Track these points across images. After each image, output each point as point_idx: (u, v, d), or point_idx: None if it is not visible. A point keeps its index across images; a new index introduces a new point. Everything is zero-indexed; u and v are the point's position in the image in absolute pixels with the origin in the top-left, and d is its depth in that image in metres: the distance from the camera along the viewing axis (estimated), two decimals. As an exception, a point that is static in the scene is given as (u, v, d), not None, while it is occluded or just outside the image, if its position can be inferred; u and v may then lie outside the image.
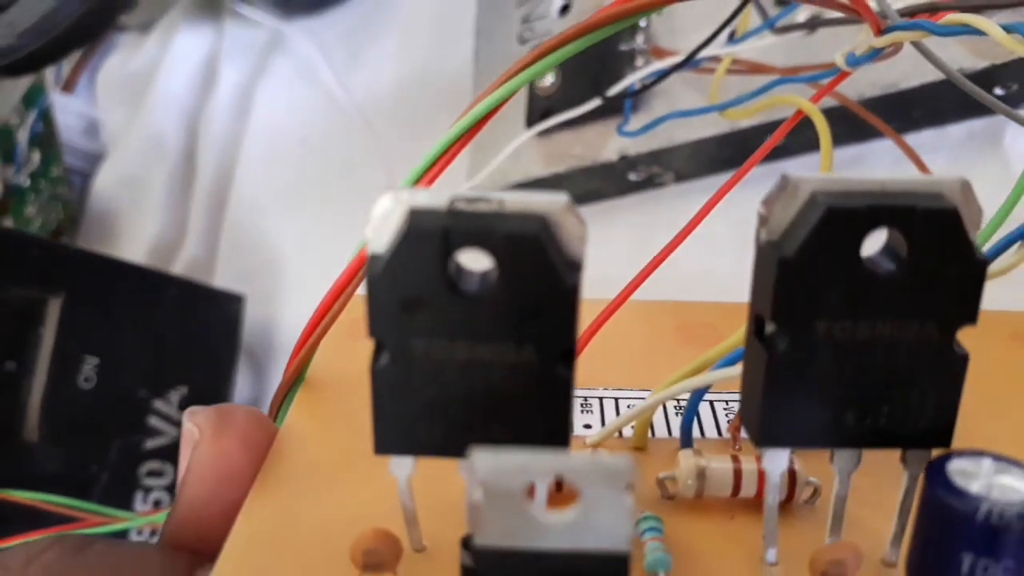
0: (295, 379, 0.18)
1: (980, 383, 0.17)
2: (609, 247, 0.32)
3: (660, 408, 0.17)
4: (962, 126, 0.29)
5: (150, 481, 0.41)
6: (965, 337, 0.18)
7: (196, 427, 0.16)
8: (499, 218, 0.11)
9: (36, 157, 0.56)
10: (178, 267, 0.50)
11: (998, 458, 0.12)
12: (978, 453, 0.12)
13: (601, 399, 0.18)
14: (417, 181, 0.16)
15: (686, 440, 0.16)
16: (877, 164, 0.31)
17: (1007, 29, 0.17)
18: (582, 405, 0.18)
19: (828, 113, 0.29)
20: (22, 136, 0.56)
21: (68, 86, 0.60)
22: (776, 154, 0.31)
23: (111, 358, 0.39)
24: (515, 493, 0.10)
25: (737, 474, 0.14)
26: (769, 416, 0.12)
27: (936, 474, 0.12)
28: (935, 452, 0.12)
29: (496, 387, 0.11)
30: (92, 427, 0.39)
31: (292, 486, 0.16)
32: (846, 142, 0.31)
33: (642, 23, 0.32)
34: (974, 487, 0.12)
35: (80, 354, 0.39)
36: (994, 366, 0.18)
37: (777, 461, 0.12)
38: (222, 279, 0.48)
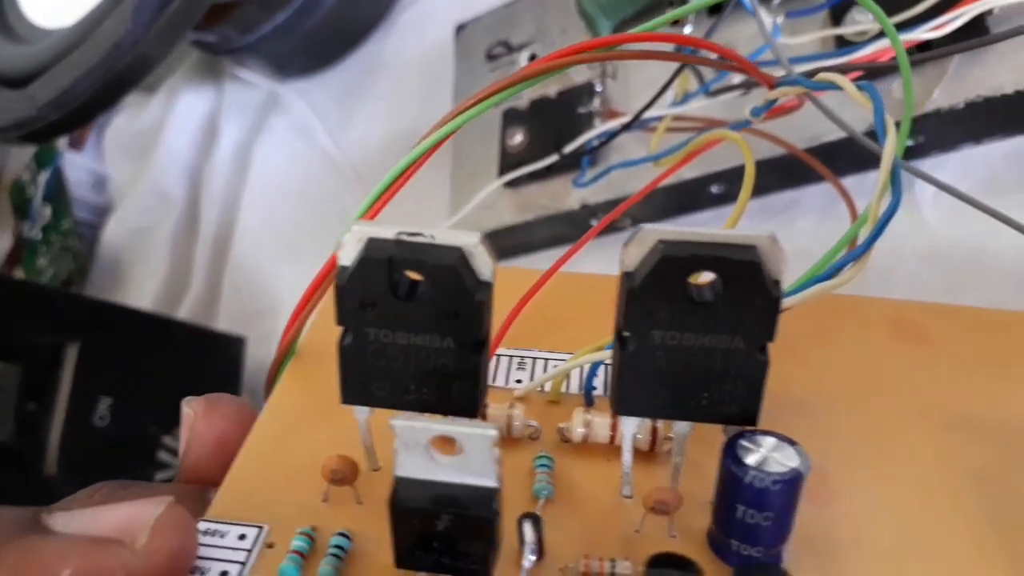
0: (287, 352, 0.23)
1: (853, 364, 0.22)
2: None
3: (577, 370, 0.22)
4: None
5: (158, 512, 0.45)
6: (848, 323, 0.23)
7: (191, 411, 0.22)
8: (431, 248, 0.16)
9: (48, 212, 0.62)
10: (183, 312, 0.55)
11: (780, 437, 0.16)
12: (766, 432, 0.16)
13: (534, 359, 0.23)
14: (377, 200, 0.21)
15: (587, 399, 0.21)
16: (809, 205, 0.37)
17: (859, 87, 0.20)
18: (519, 363, 0.23)
19: (767, 163, 0.34)
20: (36, 192, 0.62)
21: (77, 143, 0.66)
22: (723, 200, 0.37)
23: (124, 398, 0.44)
24: (421, 444, 0.15)
25: (613, 427, 0.20)
26: (621, 393, 0.17)
27: (728, 446, 0.16)
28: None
29: (425, 364, 0.17)
30: (106, 461, 0.44)
31: (283, 427, 0.21)
32: (783, 188, 0.37)
33: (598, 88, 0.38)
34: (751, 459, 0.16)
35: (95, 395, 0.44)
36: (867, 350, 0.22)
37: (629, 425, 0.18)
38: (224, 323, 0.53)
